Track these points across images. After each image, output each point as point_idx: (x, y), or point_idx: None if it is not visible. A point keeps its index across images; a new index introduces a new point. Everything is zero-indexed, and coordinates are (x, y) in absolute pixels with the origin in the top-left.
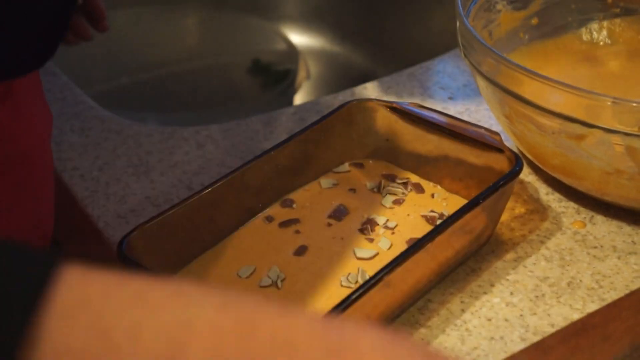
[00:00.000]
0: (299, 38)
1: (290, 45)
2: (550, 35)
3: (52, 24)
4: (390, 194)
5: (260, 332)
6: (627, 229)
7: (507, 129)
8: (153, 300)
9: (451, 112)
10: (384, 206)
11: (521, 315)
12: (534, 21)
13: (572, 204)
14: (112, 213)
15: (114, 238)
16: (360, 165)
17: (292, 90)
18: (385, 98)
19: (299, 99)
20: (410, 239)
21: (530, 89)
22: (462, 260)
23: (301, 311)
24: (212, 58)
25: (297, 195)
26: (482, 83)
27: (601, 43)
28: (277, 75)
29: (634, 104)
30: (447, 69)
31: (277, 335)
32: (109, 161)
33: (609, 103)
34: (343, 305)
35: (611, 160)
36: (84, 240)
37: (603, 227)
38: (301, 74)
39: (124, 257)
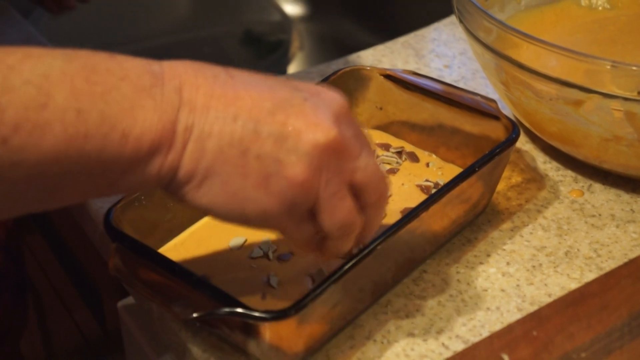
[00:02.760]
0: (292, 8)
1: (283, 15)
2: (547, 1)
3: None
4: (384, 163)
5: (100, 68)
6: (625, 197)
7: (504, 96)
8: (11, 62)
9: (447, 81)
10: None
11: (518, 286)
12: None
13: (569, 173)
14: None
15: (102, 210)
16: None
17: (285, 60)
18: (379, 66)
19: (292, 69)
20: (405, 209)
21: (527, 54)
22: (457, 230)
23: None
24: (204, 29)
25: None
26: (478, 49)
27: (600, 8)
28: (270, 45)
29: (634, 68)
30: (443, 36)
31: (111, 68)
32: None
33: (608, 67)
34: (335, 276)
35: (610, 127)
36: (71, 211)
37: (601, 196)
38: (294, 44)
39: (111, 227)
